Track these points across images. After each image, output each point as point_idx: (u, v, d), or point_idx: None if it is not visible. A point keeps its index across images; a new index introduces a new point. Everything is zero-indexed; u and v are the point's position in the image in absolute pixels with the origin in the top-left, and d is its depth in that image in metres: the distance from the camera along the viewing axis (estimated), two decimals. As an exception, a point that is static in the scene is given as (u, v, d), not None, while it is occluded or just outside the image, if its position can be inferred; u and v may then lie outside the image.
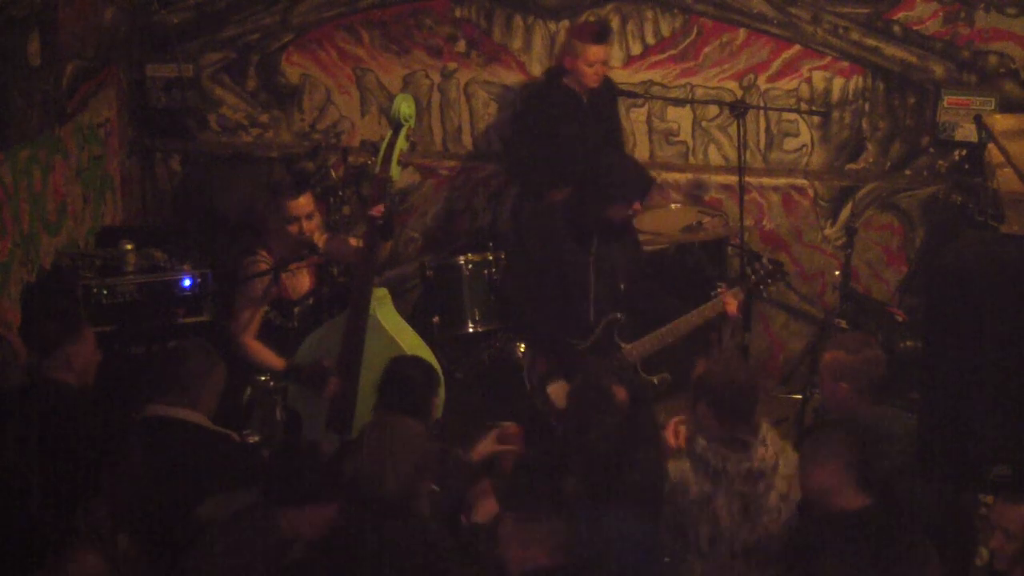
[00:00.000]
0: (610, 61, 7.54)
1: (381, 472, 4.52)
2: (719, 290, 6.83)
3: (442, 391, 5.92)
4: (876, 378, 5.37)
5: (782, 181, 7.92)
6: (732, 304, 6.16)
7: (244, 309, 6.15)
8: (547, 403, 6.05)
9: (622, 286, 6.18)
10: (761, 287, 6.33)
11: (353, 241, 6.41)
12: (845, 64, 7.72)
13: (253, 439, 5.50)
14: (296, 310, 6.30)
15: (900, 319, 7.02)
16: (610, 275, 6.16)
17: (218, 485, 4.85)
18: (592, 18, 7.74)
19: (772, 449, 5.13)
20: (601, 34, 7.30)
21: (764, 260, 6.44)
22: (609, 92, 7.46)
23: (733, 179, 7.51)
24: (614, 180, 6.00)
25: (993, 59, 7.57)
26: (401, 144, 5.84)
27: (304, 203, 6.17)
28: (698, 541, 5.05)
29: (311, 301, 6.36)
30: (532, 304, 6.13)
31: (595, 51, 7.20)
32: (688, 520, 5.04)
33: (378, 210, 5.81)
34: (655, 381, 6.16)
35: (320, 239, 6.29)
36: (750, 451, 5.07)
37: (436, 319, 7.02)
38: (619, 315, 6.12)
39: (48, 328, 5.58)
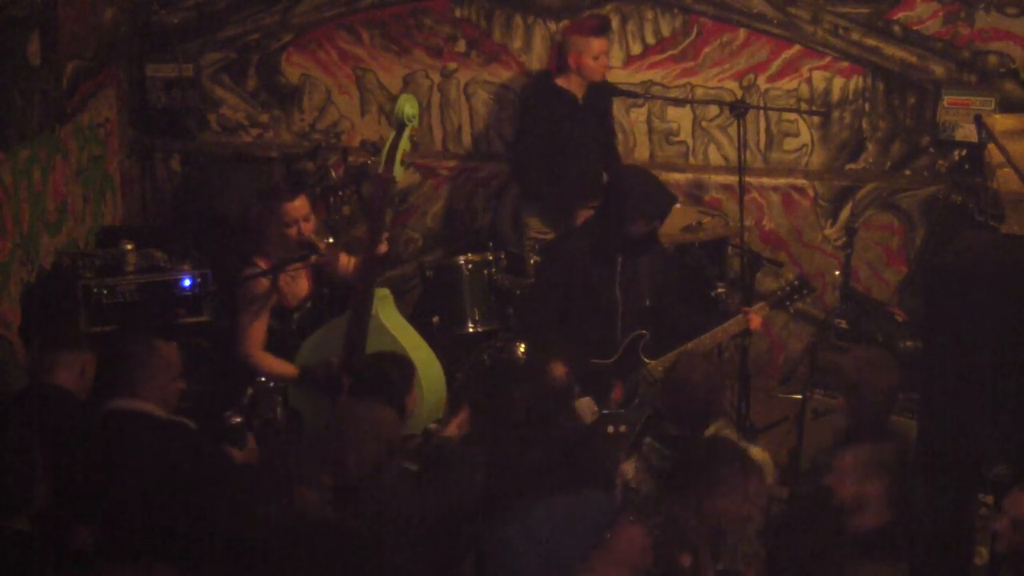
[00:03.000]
0: (610, 56, 7.54)
1: (343, 454, 4.66)
2: (719, 290, 6.85)
3: (442, 390, 5.93)
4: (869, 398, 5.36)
5: (782, 181, 7.92)
6: (756, 320, 6.22)
7: (246, 319, 6.10)
8: (573, 418, 6.06)
9: (647, 302, 6.21)
10: (787, 302, 6.40)
11: (344, 259, 6.35)
12: (845, 64, 7.72)
13: (235, 420, 5.49)
14: (295, 316, 6.28)
15: (900, 319, 7.02)
16: (636, 291, 6.19)
17: (171, 471, 4.85)
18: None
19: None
20: (603, 26, 7.34)
21: (793, 277, 6.58)
22: (606, 92, 7.46)
23: (733, 179, 7.51)
24: (634, 198, 6.02)
25: (993, 59, 7.57)
26: (404, 144, 5.82)
27: (300, 205, 6.13)
28: None
29: (309, 305, 6.35)
30: (559, 324, 6.15)
31: (599, 43, 7.24)
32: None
33: (384, 248, 5.84)
34: None
35: (319, 242, 6.26)
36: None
37: (436, 319, 7.02)
38: (644, 331, 6.15)
39: (55, 330, 5.58)
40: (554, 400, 5.19)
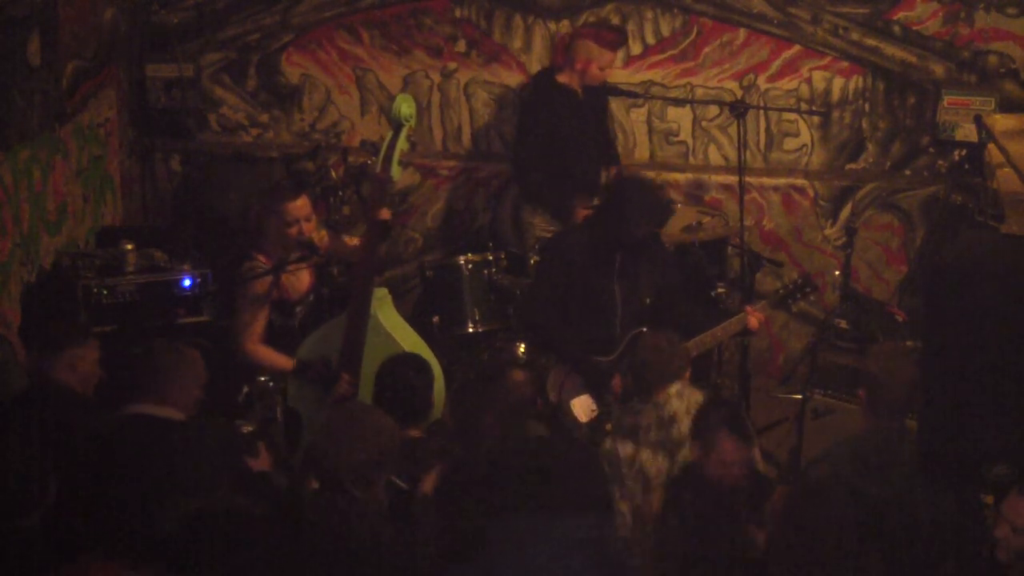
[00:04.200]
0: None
1: (335, 453, 4.62)
2: (719, 290, 6.86)
3: (442, 390, 5.93)
4: (888, 388, 5.34)
5: (782, 181, 7.92)
6: (755, 319, 6.25)
7: (246, 315, 6.13)
8: (569, 416, 6.08)
9: (647, 300, 6.23)
10: (790, 301, 6.42)
11: (349, 240, 6.39)
12: (845, 64, 7.72)
13: (247, 429, 5.49)
14: (298, 310, 6.29)
15: (900, 319, 7.02)
16: (636, 289, 6.21)
17: (193, 475, 4.84)
18: (592, 18, 7.74)
19: (687, 398, 5.50)
20: (621, 42, 7.42)
21: (796, 276, 6.65)
22: (604, 90, 7.47)
23: (733, 179, 7.51)
24: (632, 207, 6.05)
25: (993, 59, 7.58)
26: (402, 144, 5.83)
27: (302, 205, 6.15)
28: (632, 498, 5.37)
29: (312, 299, 6.36)
30: (558, 322, 6.18)
31: (612, 57, 7.30)
32: (622, 480, 5.40)
33: (385, 213, 5.82)
34: None
35: (320, 240, 6.28)
36: (660, 401, 5.47)
37: (436, 319, 7.02)
38: (644, 329, 6.16)
39: (57, 328, 5.58)
40: (516, 411, 5.20)
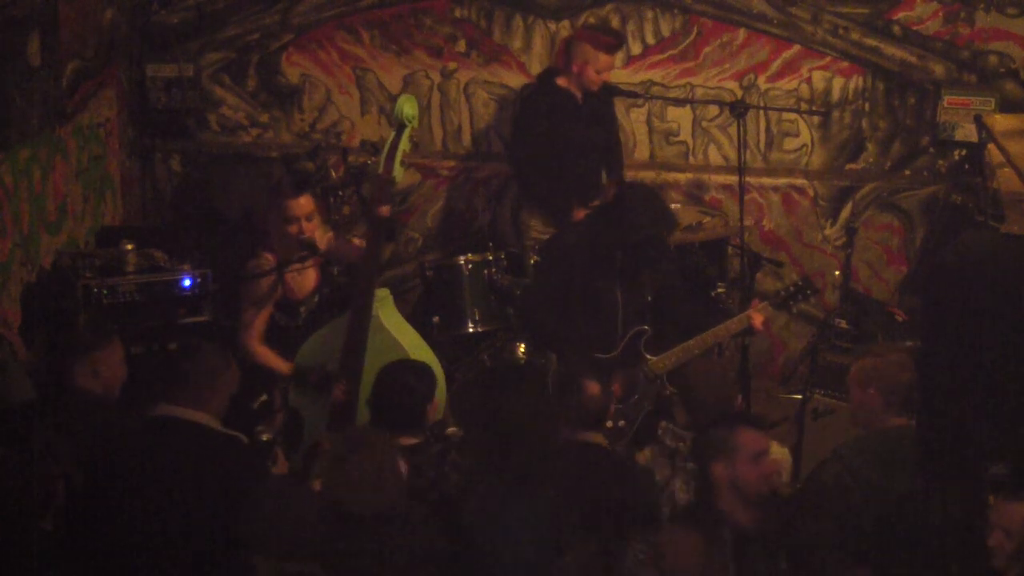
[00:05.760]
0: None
1: (370, 492, 4.45)
2: (719, 290, 6.86)
3: (443, 391, 5.92)
4: (903, 384, 5.33)
5: (782, 181, 7.92)
6: (759, 319, 6.24)
7: (249, 313, 6.15)
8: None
9: (648, 297, 6.22)
10: (791, 303, 6.42)
11: (358, 242, 6.39)
12: (845, 64, 7.73)
13: (266, 436, 5.47)
14: (302, 310, 6.30)
15: (900, 319, 7.03)
16: (637, 288, 6.20)
17: (223, 486, 4.82)
18: (592, 19, 7.75)
19: None
20: (618, 46, 7.37)
21: (796, 278, 6.67)
22: (605, 92, 7.46)
23: (733, 179, 7.52)
24: (633, 214, 6.05)
25: (993, 59, 7.58)
26: (404, 145, 5.81)
27: (304, 203, 6.17)
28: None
29: (316, 300, 6.36)
30: (559, 318, 6.17)
31: (608, 60, 7.24)
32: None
33: (385, 210, 5.79)
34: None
35: (322, 239, 6.28)
36: None
37: (436, 319, 7.02)
38: (646, 327, 6.16)
39: (82, 336, 5.56)
40: (589, 418, 5.15)
